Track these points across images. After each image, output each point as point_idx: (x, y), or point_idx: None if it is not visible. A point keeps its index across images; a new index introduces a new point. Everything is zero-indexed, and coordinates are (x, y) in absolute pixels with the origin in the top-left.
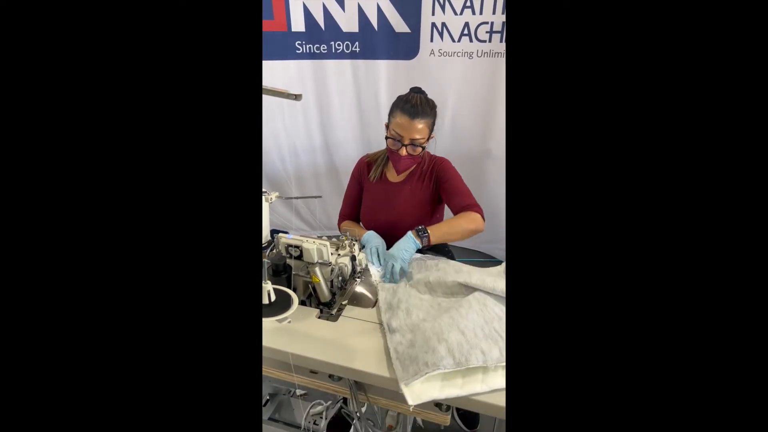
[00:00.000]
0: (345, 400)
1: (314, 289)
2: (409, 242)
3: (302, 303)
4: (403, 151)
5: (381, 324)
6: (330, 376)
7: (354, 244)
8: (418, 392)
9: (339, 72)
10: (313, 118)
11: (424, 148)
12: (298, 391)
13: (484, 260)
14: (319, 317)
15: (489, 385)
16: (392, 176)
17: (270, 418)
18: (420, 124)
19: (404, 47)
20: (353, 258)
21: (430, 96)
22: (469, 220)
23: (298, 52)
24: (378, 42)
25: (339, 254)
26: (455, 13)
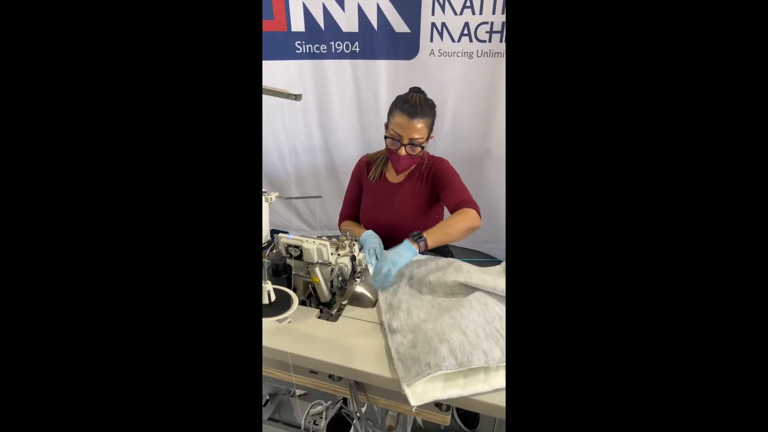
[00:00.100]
0: (345, 400)
1: (314, 289)
2: (405, 249)
3: (302, 303)
4: (402, 151)
5: (381, 324)
6: (330, 376)
7: (354, 244)
8: (421, 393)
9: (339, 72)
10: (313, 118)
11: (423, 148)
12: (298, 391)
13: (484, 260)
14: (319, 317)
15: (491, 385)
16: (391, 176)
17: (270, 418)
18: (419, 124)
19: (404, 47)
20: (353, 258)
21: (430, 96)
22: (464, 217)
23: (298, 52)
24: (378, 42)
25: (339, 254)
26: (455, 13)
